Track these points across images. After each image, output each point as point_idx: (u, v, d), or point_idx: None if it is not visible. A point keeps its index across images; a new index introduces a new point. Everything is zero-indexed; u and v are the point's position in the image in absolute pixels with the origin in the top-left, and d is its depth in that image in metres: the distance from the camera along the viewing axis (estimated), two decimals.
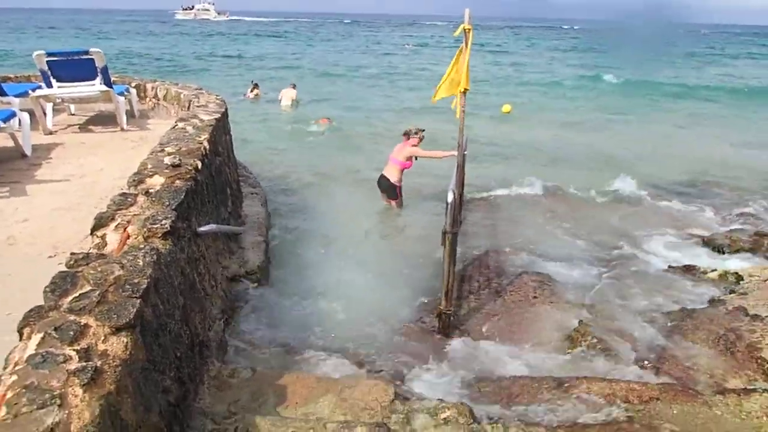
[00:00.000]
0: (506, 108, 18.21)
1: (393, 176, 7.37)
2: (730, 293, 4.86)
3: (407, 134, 7.38)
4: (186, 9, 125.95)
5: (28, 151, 5.82)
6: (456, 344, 4.22)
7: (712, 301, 4.72)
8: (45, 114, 6.95)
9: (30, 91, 6.85)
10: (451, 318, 4.41)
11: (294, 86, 17.76)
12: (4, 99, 6.62)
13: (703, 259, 6.19)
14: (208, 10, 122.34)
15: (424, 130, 7.36)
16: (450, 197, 3.89)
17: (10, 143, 5.82)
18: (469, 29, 4.29)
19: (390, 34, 57.46)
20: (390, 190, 7.49)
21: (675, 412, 3.03)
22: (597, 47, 48.87)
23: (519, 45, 48.37)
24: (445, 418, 2.77)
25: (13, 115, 5.74)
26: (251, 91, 18.41)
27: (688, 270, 5.49)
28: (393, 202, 7.68)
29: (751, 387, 3.40)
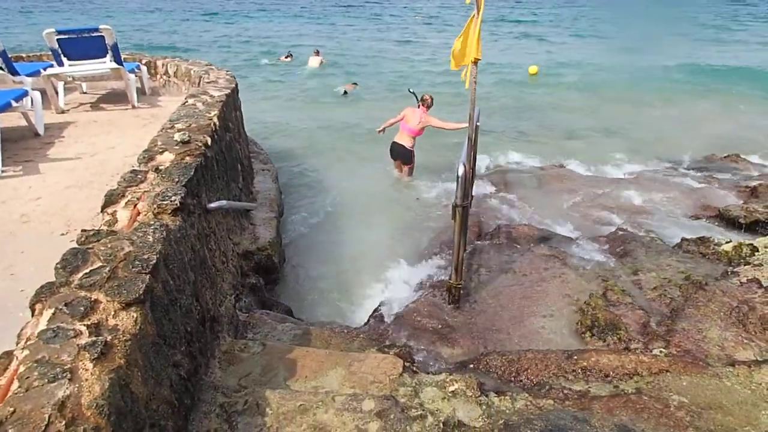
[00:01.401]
0: (533, 70, 18.05)
1: (407, 143, 7.58)
2: (745, 265, 4.80)
3: (424, 102, 7.39)
4: None
5: (40, 130, 5.87)
6: (465, 318, 4.25)
7: (726, 274, 4.67)
8: (57, 93, 6.98)
9: (42, 70, 6.87)
10: (461, 292, 4.43)
11: (317, 52, 19.63)
12: (17, 78, 6.64)
13: (717, 231, 6.12)
14: None
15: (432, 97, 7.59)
16: (461, 170, 3.85)
17: (23, 122, 5.89)
18: None
19: (397, 5, 56.27)
20: (405, 156, 7.71)
21: (684, 384, 3.03)
22: (618, 19, 47.41)
23: (538, 16, 47.02)
24: (453, 391, 2.80)
25: (26, 94, 5.78)
26: (285, 57, 20.86)
27: (702, 242, 5.42)
28: (406, 168, 7.84)
29: (763, 359, 3.38)
